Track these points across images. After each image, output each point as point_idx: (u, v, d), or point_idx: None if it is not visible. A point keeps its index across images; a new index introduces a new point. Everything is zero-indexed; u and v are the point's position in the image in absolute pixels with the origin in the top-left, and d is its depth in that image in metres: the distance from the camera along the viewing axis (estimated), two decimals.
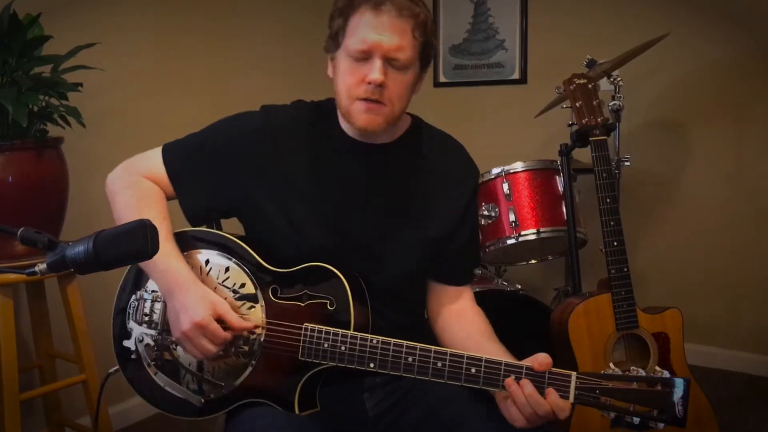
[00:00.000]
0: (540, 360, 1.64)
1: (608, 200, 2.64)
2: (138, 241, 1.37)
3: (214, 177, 1.91)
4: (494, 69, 4.86)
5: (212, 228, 2.15)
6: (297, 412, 1.75)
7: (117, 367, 1.91)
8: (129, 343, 1.88)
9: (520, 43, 4.73)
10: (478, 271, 3.46)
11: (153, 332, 1.85)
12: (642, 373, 1.64)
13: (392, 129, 1.92)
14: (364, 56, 1.76)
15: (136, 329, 1.87)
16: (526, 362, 1.66)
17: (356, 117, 1.81)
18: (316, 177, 1.90)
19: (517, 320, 3.13)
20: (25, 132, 2.70)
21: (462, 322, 1.99)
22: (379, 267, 1.90)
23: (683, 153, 4.28)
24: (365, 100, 1.78)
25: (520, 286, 3.23)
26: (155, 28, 3.76)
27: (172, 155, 1.95)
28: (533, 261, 3.70)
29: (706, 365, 4.10)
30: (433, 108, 4.84)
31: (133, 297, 1.89)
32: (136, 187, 1.91)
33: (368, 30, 1.74)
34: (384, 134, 1.91)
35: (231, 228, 2.01)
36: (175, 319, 1.75)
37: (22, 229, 1.37)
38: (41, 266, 1.37)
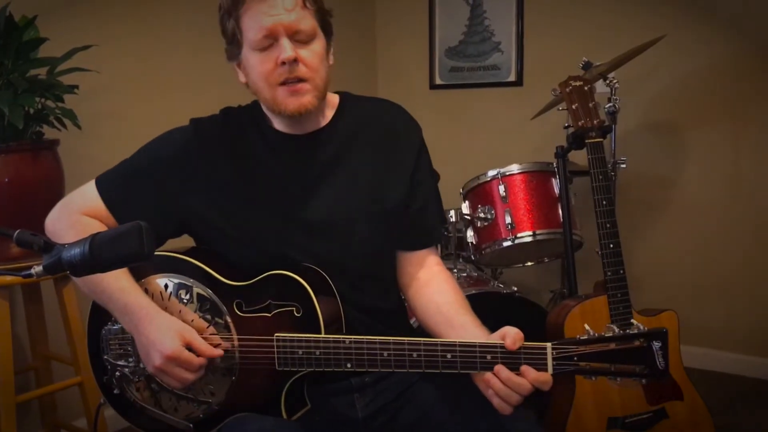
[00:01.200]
0: (512, 337, 1.63)
1: (604, 202, 2.64)
2: (134, 243, 1.37)
3: (154, 200, 1.88)
4: (490, 71, 4.87)
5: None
6: (286, 417, 1.74)
7: (104, 399, 1.92)
8: (108, 378, 1.88)
9: (516, 46, 4.73)
10: (474, 273, 3.46)
11: (129, 364, 1.84)
12: (617, 331, 1.62)
13: (322, 113, 1.91)
14: (269, 42, 1.75)
15: (112, 364, 1.86)
16: (498, 338, 1.65)
17: (283, 103, 1.78)
18: (257, 179, 1.88)
19: (513, 322, 3.12)
20: (21, 134, 2.70)
21: (431, 292, 1.96)
22: (345, 252, 1.88)
23: (680, 155, 4.28)
24: (286, 83, 1.76)
25: (516, 288, 3.23)
26: (151, 30, 3.76)
27: (107, 185, 1.90)
28: (529, 263, 3.70)
29: (702, 367, 4.10)
30: (429, 110, 4.87)
31: (103, 331, 1.88)
32: (78, 227, 1.85)
33: (262, 16, 1.73)
34: (315, 120, 1.90)
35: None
36: (145, 355, 1.73)
37: (17, 231, 1.37)
38: (37, 268, 1.37)
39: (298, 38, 1.76)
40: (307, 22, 1.76)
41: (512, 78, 4.78)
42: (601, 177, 2.66)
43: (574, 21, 4.46)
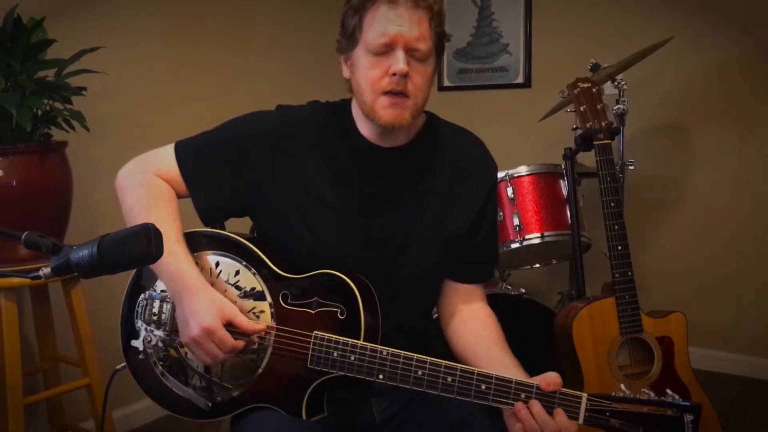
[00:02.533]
0: (549, 380, 1.64)
1: (612, 204, 2.64)
2: (142, 245, 1.37)
3: (228, 176, 1.89)
4: (498, 73, 4.86)
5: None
6: (304, 418, 1.74)
7: (124, 364, 1.90)
8: (137, 343, 1.87)
9: (524, 47, 4.73)
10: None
11: (161, 332, 1.84)
12: (653, 396, 1.62)
13: (409, 130, 1.91)
14: (386, 49, 1.75)
15: (145, 329, 1.86)
16: (536, 380, 1.66)
17: (381, 113, 1.78)
18: (332, 180, 1.88)
19: (522, 324, 3.13)
20: (29, 136, 2.70)
21: (474, 326, 1.97)
22: (396, 268, 1.89)
23: (687, 157, 4.28)
24: (390, 93, 1.76)
25: (524, 290, 3.23)
26: (159, 32, 3.77)
27: (185, 153, 1.91)
28: (537, 265, 3.69)
29: (710, 369, 4.09)
30: (437, 112, 4.84)
31: (142, 296, 1.88)
32: (148, 186, 1.88)
33: (387, 23, 1.73)
34: (401, 134, 1.89)
35: (241, 227, 2.00)
36: (183, 324, 1.74)
37: (26, 233, 1.36)
38: (45, 270, 1.37)
39: (414, 55, 1.76)
40: (427, 42, 1.77)
41: (520, 80, 4.78)
42: (609, 179, 2.66)
43: (582, 23, 4.46)
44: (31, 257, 2.66)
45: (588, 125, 2.73)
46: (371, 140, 1.91)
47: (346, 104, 1.95)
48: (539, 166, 3.30)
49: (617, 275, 2.61)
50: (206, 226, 1.93)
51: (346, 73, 1.89)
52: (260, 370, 1.78)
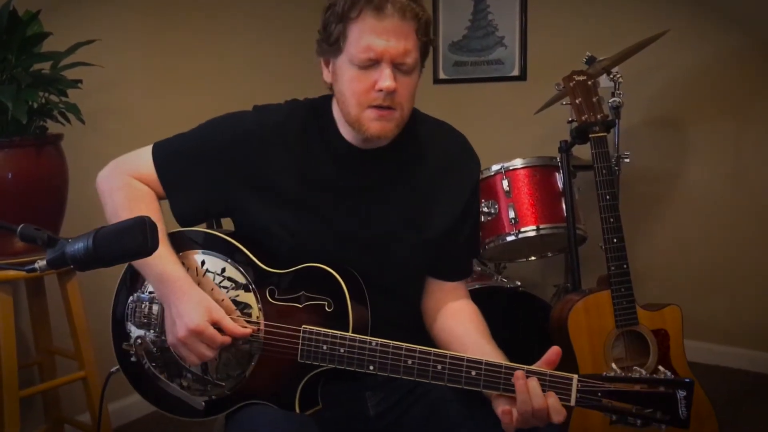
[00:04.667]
0: (549, 356, 1.64)
1: (608, 197, 2.64)
2: (138, 238, 1.37)
3: (204, 180, 1.87)
4: (494, 66, 4.86)
5: (212, 226, 2.14)
6: (298, 412, 1.74)
7: (118, 366, 1.91)
8: (128, 346, 1.88)
9: (519, 40, 4.73)
10: (477, 268, 3.46)
11: (152, 334, 1.84)
12: (644, 374, 1.62)
13: None
14: (371, 63, 1.71)
15: (135, 331, 1.86)
16: (537, 364, 1.65)
17: (368, 125, 1.75)
18: (311, 183, 1.86)
19: (517, 317, 3.13)
20: (24, 129, 2.69)
21: (461, 319, 1.96)
22: (380, 269, 1.87)
23: (683, 150, 4.28)
24: (377, 107, 1.74)
25: (519, 283, 3.22)
26: (155, 25, 3.76)
27: (162, 155, 1.90)
28: (533, 258, 3.70)
29: (706, 362, 4.11)
30: (432, 105, 4.79)
31: (131, 299, 1.88)
32: (128, 189, 1.88)
33: (373, 36, 1.69)
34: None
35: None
36: (171, 325, 1.74)
37: (21, 225, 1.36)
38: (41, 263, 1.37)
39: (400, 68, 1.73)
40: (413, 55, 1.74)
41: (516, 72, 4.78)
42: (604, 171, 2.65)
43: (578, 15, 4.46)
44: (27, 250, 2.66)
45: (583, 118, 2.72)
46: (352, 143, 1.88)
47: (326, 103, 1.91)
48: (535, 159, 3.30)
49: (613, 268, 2.61)
50: (182, 227, 1.92)
51: (327, 76, 1.85)
52: (252, 367, 1.78)
